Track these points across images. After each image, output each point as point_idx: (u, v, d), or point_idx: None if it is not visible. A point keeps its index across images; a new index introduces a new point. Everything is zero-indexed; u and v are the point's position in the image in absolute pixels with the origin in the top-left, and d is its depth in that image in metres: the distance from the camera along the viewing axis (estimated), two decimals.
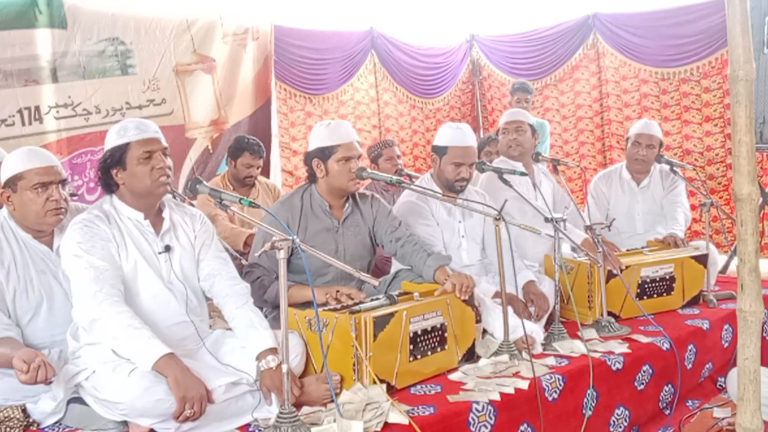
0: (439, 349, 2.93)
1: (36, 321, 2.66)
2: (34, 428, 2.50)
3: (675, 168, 4.47)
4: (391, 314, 2.75)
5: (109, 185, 2.66)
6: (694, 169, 4.72)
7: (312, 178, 3.30)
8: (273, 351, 2.56)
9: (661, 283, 3.85)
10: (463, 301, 3.01)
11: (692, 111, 6.54)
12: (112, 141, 2.63)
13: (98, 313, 2.43)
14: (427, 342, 2.89)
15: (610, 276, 3.63)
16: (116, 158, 2.60)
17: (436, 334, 2.92)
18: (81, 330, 2.54)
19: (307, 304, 2.88)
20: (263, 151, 4.75)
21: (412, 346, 2.82)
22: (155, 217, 2.71)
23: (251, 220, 2.80)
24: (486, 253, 3.75)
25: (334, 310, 2.81)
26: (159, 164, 2.61)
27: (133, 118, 2.72)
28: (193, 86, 5.50)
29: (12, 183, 2.67)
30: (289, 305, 2.95)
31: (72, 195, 4.53)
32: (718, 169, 6.45)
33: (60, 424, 2.52)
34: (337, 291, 2.98)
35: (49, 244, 2.75)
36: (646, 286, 3.81)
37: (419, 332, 2.85)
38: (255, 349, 2.58)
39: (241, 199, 2.61)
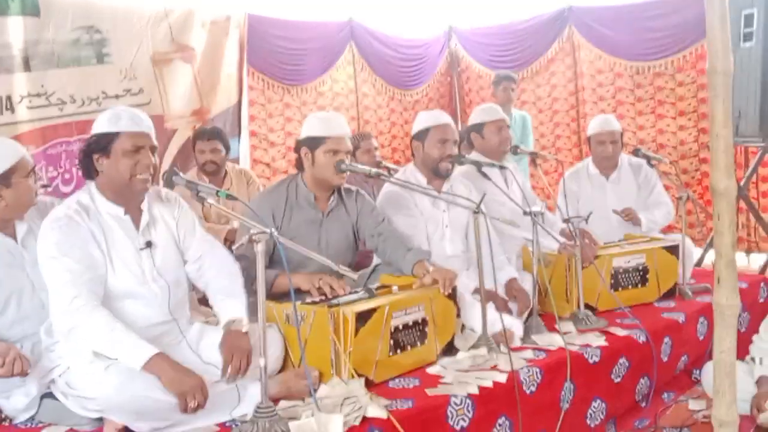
0: (419, 344, 2.92)
1: (5, 316, 2.60)
2: (7, 424, 2.46)
3: (652, 162, 4.51)
4: (374, 309, 2.73)
5: (88, 170, 2.59)
6: (670, 163, 4.76)
7: (300, 166, 3.30)
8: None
9: (634, 274, 3.88)
10: (446, 295, 3.00)
11: (666, 105, 6.58)
12: (102, 126, 2.56)
13: (77, 321, 2.37)
14: (408, 336, 2.87)
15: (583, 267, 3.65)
16: (102, 144, 2.53)
17: (417, 328, 2.91)
18: (55, 327, 2.49)
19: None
20: (216, 134, 4.71)
21: (392, 341, 2.80)
22: (135, 211, 2.64)
23: (228, 212, 2.77)
24: (468, 245, 3.75)
25: (313, 303, 2.79)
26: (144, 160, 2.56)
27: (127, 108, 2.63)
28: (171, 76, 5.41)
29: (5, 178, 2.56)
30: (280, 292, 2.92)
31: (44, 186, 4.48)
32: (691, 163, 6.51)
33: (33, 420, 2.48)
34: (320, 279, 2.97)
35: (12, 236, 2.67)
36: (619, 276, 3.84)
37: (400, 327, 2.83)
38: (226, 316, 2.61)
39: (218, 191, 2.54)
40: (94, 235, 2.52)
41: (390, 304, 2.79)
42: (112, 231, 2.57)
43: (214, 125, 5.17)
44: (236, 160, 5.85)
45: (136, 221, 2.64)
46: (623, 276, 3.85)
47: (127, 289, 2.56)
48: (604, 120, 4.63)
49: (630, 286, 3.88)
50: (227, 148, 4.80)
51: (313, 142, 3.21)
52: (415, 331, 2.90)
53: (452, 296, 3.03)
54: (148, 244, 2.62)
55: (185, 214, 2.80)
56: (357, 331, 2.64)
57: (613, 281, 3.81)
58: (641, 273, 3.91)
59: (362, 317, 2.67)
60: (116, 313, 2.46)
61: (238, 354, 2.50)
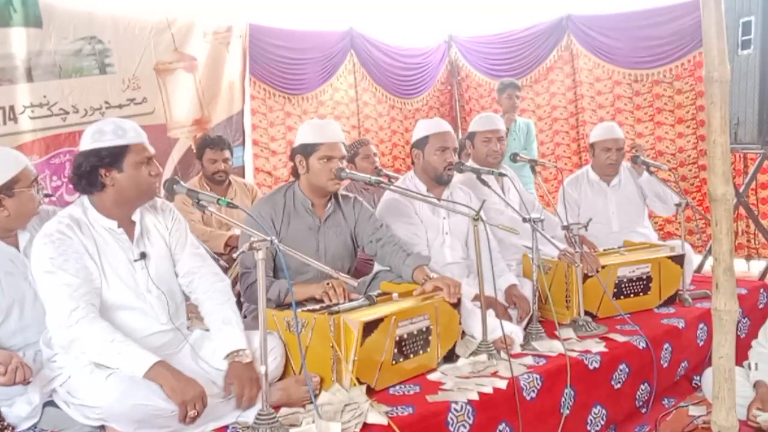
0: (421, 352, 2.92)
1: (8, 324, 2.60)
2: None
3: (651, 169, 4.53)
4: (380, 319, 2.71)
5: (91, 185, 2.56)
6: (669, 170, 4.77)
7: (295, 174, 3.31)
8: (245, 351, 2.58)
9: (638, 283, 3.88)
10: (452, 304, 3.00)
11: (665, 113, 6.60)
12: (108, 140, 2.52)
13: (77, 333, 2.37)
14: (412, 345, 2.87)
15: (586, 276, 3.65)
16: (112, 159, 2.52)
17: (422, 337, 2.91)
18: (55, 341, 2.49)
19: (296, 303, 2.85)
20: (226, 144, 4.73)
21: (396, 350, 2.81)
22: (128, 224, 2.64)
23: (229, 220, 2.77)
24: (468, 252, 3.76)
25: (313, 311, 2.79)
26: (155, 170, 2.59)
27: (118, 120, 2.62)
28: (174, 85, 5.45)
29: (7, 188, 2.57)
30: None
31: (48, 195, 4.50)
32: (690, 170, 6.52)
33: (36, 428, 2.48)
34: (328, 283, 2.98)
35: (15, 245, 2.68)
36: (623, 285, 3.84)
37: (405, 336, 2.83)
38: (227, 347, 2.58)
39: (219, 199, 2.57)
40: (86, 248, 2.51)
41: (396, 314, 2.78)
42: (106, 244, 2.57)
43: (217, 134, 5.18)
44: (241, 169, 5.88)
45: (130, 233, 2.63)
46: (627, 285, 3.86)
47: (123, 301, 2.56)
48: (609, 127, 4.63)
49: (632, 295, 3.88)
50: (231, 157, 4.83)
51: (306, 149, 3.23)
52: (419, 340, 2.90)
53: (457, 305, 3.03)
54: (143, 256, 2.62)
55: (178, 225, 2.79)
56: (363, 340, 2.63)
57: (616, 290, 3.81)
58: (645, 282, 3.91)
59: (369, 327, 2.66)
60: (114, 325, 2.46)
61: (249, 385, 2.50)
